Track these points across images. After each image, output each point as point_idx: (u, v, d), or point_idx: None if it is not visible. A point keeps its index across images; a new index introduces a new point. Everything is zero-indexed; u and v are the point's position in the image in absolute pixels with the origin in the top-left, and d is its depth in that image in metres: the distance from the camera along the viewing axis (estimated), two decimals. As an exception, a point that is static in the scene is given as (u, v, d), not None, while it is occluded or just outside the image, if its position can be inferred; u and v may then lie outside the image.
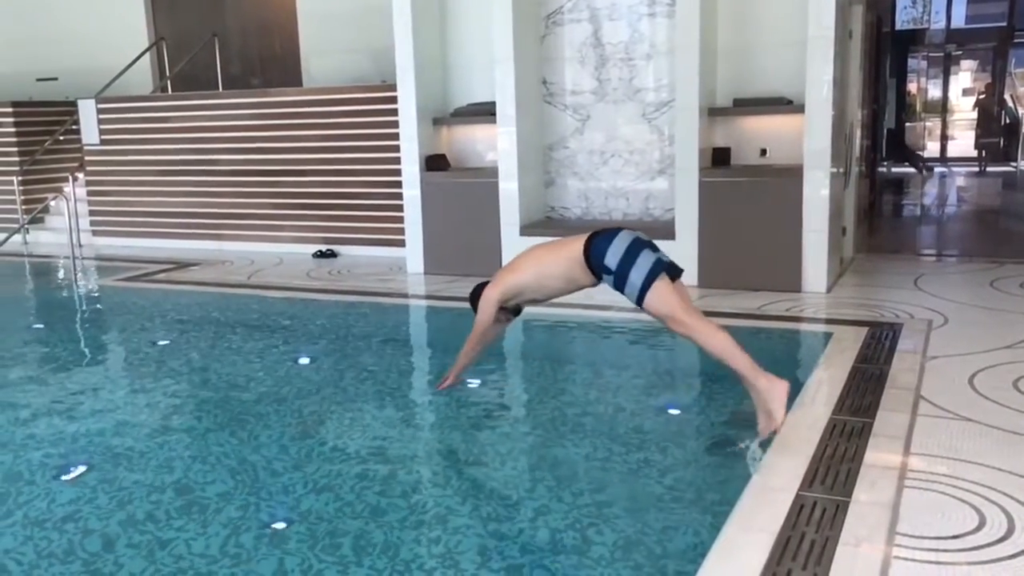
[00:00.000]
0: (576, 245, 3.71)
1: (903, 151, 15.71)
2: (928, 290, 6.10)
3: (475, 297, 4.00)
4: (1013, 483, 3.01)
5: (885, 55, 11.86)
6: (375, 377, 4.67)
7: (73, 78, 11.09)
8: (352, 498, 3.14)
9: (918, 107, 18.50)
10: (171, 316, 6.45)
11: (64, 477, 3.46)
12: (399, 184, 7.61)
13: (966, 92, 21.84)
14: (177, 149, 9.49)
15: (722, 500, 2.98)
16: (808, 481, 3.04)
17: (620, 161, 7.10)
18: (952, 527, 2.71)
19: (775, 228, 6.13)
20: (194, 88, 10.49)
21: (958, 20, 17.88)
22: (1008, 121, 17.21)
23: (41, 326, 6.49)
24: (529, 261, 3.89)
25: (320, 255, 8.66)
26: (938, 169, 16.95)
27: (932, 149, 18.50)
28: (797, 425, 3.56)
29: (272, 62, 11.01)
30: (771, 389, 3.40)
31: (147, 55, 11.02)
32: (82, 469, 3.50)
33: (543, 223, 7.18)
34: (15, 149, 10.59)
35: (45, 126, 10.74)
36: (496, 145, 7.10)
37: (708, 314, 4.23)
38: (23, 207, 10.29)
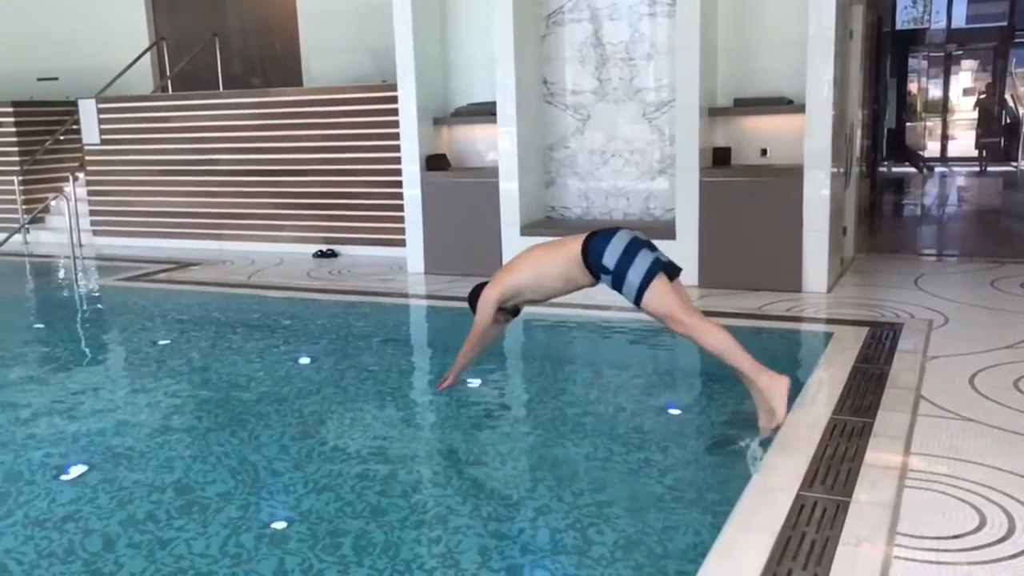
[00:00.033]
0: (574, 245, 3.71)
1: (904, 151, 15.71)
2: (929, 290, 6.10)
3: (473, 298, 4.01)
4: (1013, 483, 3.01)
5: (886, 55, 11.86)
6: (375, 377, 4.67)
7: (74, 78, 11.09)
8: (352, 498, 3.14)
9: (919, 107, 18.50)
10: (172, 316, 6.46)
11: (64, 477, 3.46)
12: (399, 184, 7.61)
13: (967, 92, 21.84)
14: (178, 149, 9.49)
15: (722, 500, 2.98)
16: (808, 481, 3.04)
17: (620, 161, 7.10)
18: (953, 527, 2.71)
19: (776, 228, 6.13)
20: (194, 88, 10.49)
21: (959, 20, 17.86)
22: (1009, 121, 17.22)
23: (42, 326, 6.49)
24: (528, 261, 3.89)
25: (320, 255, 8.66)
26: (939, 169, 16.95)
27: (932, 149, 18.50)
28: (797, 425, 3.56)
29: (272, 62, 11.01)
30: (772, 386, 3.40)
31: (148, 55, 11.03)
32: (83, 469, 3.50)
33: (543, 223, 7.18)
34: (16, 149, 10.59)
35: (46, 126, 10.75)
36: (496, 145, 7.10)
37: (708, 314, 4.24)
38: (23, 207, 10.29)
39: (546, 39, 7.18)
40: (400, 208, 7.75)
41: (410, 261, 7.56)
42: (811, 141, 6.00)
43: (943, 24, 17.23)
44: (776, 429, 3.43)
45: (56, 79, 11.53)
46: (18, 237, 9.96)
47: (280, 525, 2.96)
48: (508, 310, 4.02)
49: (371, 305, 6.50)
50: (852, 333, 4.97)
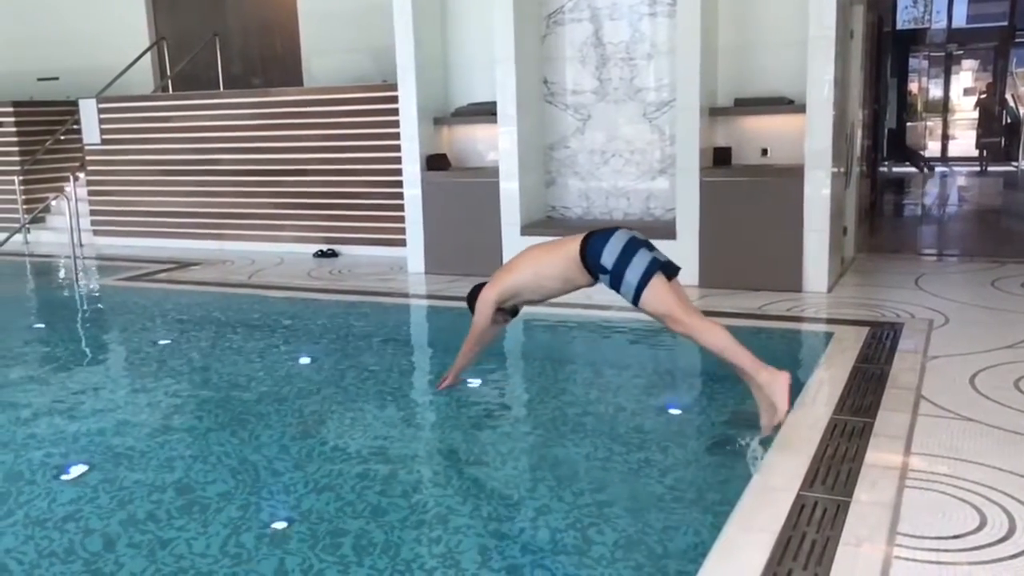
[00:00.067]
0: (572, 245, 3.71)
1: (904, 151, 15.71)
2: (929, 290, 6.09)
3: (472, 298, 4.01)
4: (1014, 483, 3.01)
5: (886, 55, 11.86)
6: (376, 377, 4.67)
7: (74, 78, 11.09)
8: (353, 498, 3.14)
9: (919, 107, 18.50)
10: (172, 316, 6.46)
11: (65, 476, 3.46)
12: (400, 184, 7.61)
13: (967, 92, 21.84)
14: (178, 149, 9.49)
15: (723, 500, 2.98)
16: (809, 481, 3.04)
17: (621, 161, 7.10)
18: (953, 527, 2.71)
19: (776, 228, 6.13)
20: (195, 88, 10.49)
21: (959, 20, 17.87)
22: (1009, 121, 17.21)
23: (42, 326, 6.49)
24: (526, 261, 3.89)
25: (321, 255, 8.66)
26: (939, 169, 16.95)
27: (933, 149, 18.50)
28: (798, 425, 3.56)
29: (273, 62, 11.01)
30: (773, 382, 3.40)
31: (148, 55, 11.03)
32: (83, 468, 3.50)
33: (544, 223, 7.18)
34: (16, 149, 10.59)
35: (46, 126, 10.75)
36: (497, 145, 7.10)
37: (709, 314, 4.24)
38: (24, 207, 10.30)
39: (546, 39, 7.18)
40: (400, 208, 7.75)
41: (410, 261, 7.56)
42: (812, 141, 6.00)
43: (944, 24, 17.23)
44: (777, 428, 3.43)
45: (57, 79, 11.53)
46: (19, 237, 9.96)
47: (280, 525, 2.96)
48: (507, 310, 4.03)
49: (371, 305, 6.50)
50: (852, 333, 4.97)
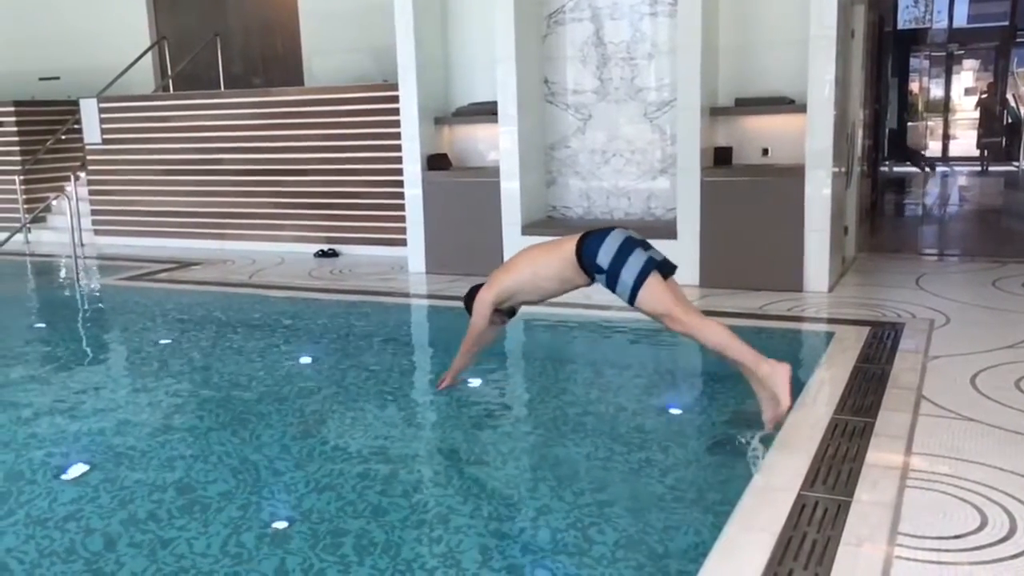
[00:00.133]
0: (569, 245, 3.72)
1: (905, 150, 15.71)
2: (930, 290, 6.09)
3: (469, 300, 4.01)
4: (1015, 483, 3.01)
5: (887, 55, 11.86)
6: (376, 377, 4.67)
7: (75, 77, 11.09)
8: (354, 497, 3.14)
9: (920, 107, 18.50)
10: (173, 315, 6.46)
11: (66, 476, 3.46)
12: (401, 183, 7.61)
13: (968, 92, 21.83)
14: (179, 148, 9.49)
15: (723, 500, 2.98)
16: (810, 481, 3.04)
17: (622, 160, 7.10)
18: (954, 527, 2.71)
19: (777, 228, 6.13)
20: (196, 87, 10.49)
21: (960, 19, 17.87)
22: (1010, 121, 17.21)
23: (43, 325, 6.50)
24: (524, 262, 3.90)
25: (322, 254, 8.67)
26: (940, 168, 16.95)
27: (934, 148, 18.50)
28: (799, 425, 3.56)
29: (274, 61, 11.02)
30: (774, 374, 3.40)
31: (149, 54, 11.03)
32: (84, 468, 3.50)
33: (544, 222, 7.18)
34: (17, 148, 10.60)
35: (47, 125, 10.75)
36: (498, 144, 7.10)
37: (710, 314, 4.24)
38: (25, 206, 10.30)
39: (547, 38, 7.18)
40: (401, 208, 7.75)
41: (411, 261, 7.56)
42: (812, 141, 6.00)
43: (945, 24, 17.24)
44: (779, 424, 3.43)
45: (58, 79, 11.54)
46: (20, 236, 9.96)
47: (281, 524, 2.96)
48: (504, 311, 4.02)
49: (372, 305, 6.50)
50: (853, 333, 4.97)
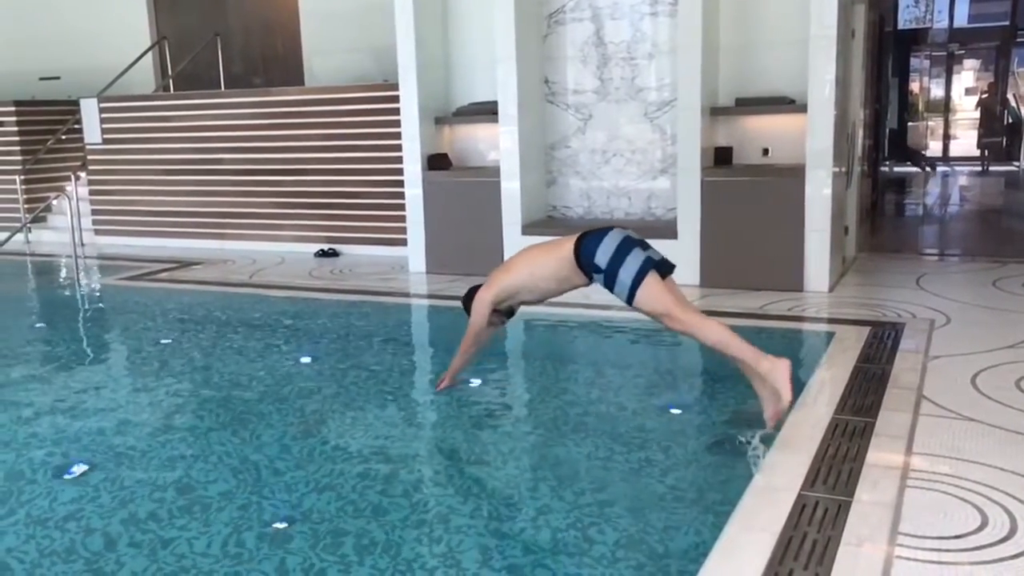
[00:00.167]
0: (567, 245, 3.72)
1: (906, 150, 15.71)
2: (930, 290, 6.09)
3: (468, 300, 4.01)
4: (1015, 483, 3.01)
5: (887, 54, 11.86)
6: (377, 376, 4.67)
7: (75, 77, 11.10)
8: (354, 497, 3.14)
9: (920, 106, 18.50)
10: (173, 315, 6.46)
11: (66, 476, 3.46)
12: (401, 183, 7.61)
13: (969, 91, 21.83)
14: (179, 148, 9.49)
15: (724, 500, 2.98)
16: (810, 481, 3.04)
17: (622, 160, 7.10)
18: (954, 527, 2.71)
19: (777, 228, 6.13)
20: (196, 87, 10.50)
21: (961, 19, 17.86)
22: (1011, 120, 17.21)
23: (43, 325, 6.49)
24: (522, 262, 3.90)
25: (322, 254, 8.67)
26: (940, 168, 16.94)
27: (934, 148, 18.49)
28: (799, 424, 3.56)
29: (274, 61, 11.02)
30: (774, 369, 3.40)
31: (149, 54, 11.04)
32: (84, 468, 3.50)
33: (545, 222, 7.18)
34: (17, 148, 10.60)
35: (47, 125, 10.76)
36: (498, 144, 7.10)
37: (710, 314, 4.24)
38: (25, 206, 10.30)
39: (548, 38, 7.18)
40: (402, 207, 7.75)
41: (411, 260, 7.56)
42: (813, 141, 6.00)
43: (945, 23, 17.23)
44: (780, 422, 3.43)
45: (58, 79, 11.54)
46: (20, 236, 9.97)
47: (281, 524, 2.96)
48: (503, 312, 4.02)
49: (372, 304, 6.50)
50: (854, 333, 4.97)
